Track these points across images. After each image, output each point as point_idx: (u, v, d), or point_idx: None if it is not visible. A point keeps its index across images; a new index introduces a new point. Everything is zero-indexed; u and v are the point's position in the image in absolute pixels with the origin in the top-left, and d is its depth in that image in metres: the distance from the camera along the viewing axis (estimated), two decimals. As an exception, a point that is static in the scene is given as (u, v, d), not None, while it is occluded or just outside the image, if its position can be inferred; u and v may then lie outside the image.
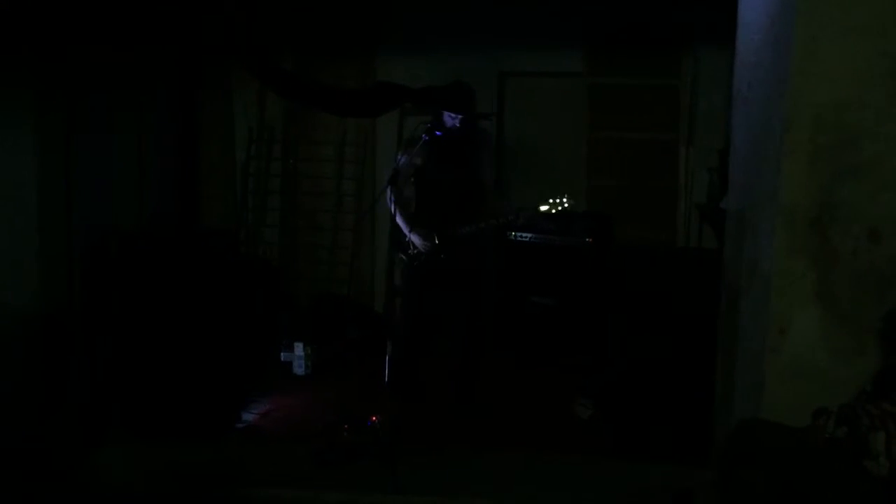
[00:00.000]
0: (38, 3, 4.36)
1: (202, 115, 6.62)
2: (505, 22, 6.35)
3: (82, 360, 4.60)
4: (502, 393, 5.09)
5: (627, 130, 6.61)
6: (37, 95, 4.39)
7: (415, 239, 4.65)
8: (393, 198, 4.59)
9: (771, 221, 3.18)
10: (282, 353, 5.60)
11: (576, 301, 5.80)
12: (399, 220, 4.64)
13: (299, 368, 5.55)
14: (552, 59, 6.60)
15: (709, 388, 4.06)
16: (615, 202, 6.47)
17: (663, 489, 3.77)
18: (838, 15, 3.02)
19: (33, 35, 4.35)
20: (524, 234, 5.95)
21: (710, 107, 6.38)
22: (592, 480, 3.99)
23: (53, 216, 4.51)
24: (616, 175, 6.62)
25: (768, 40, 3.40)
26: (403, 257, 4.75)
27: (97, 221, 4.90)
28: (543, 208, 4.47)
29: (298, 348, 5.55)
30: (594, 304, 5.69)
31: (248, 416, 4.77)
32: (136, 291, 4.57)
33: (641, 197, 6.58)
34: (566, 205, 4.47)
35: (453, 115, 4.57)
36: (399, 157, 4.75)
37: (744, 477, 2.89)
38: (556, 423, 4.74)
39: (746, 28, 3.79)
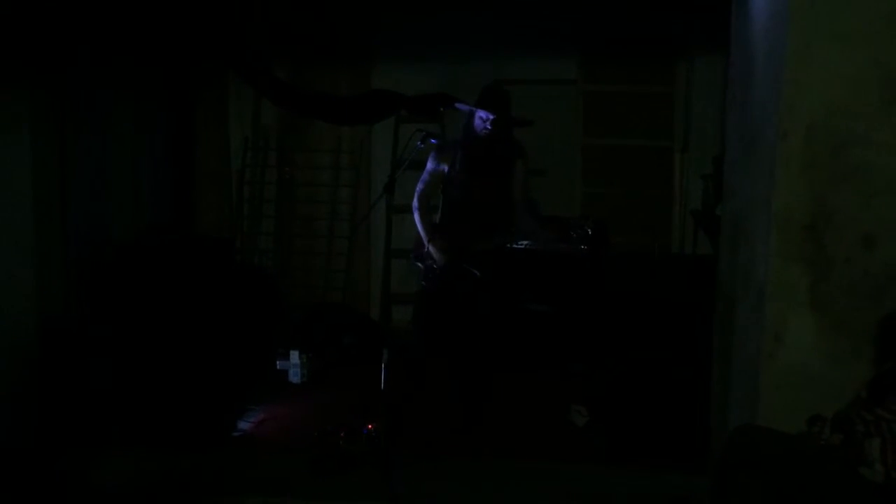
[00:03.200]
0: (35, 14, 4.37)
1: (198, 124, 6.63)
2: (500, 30, 6.37)
3: (78, 369, 4.59)
4: (498, 400, 5.08)
5: (622, 137, 6.64)
6: (32, 105, 4.39)
7: (432, 251, 4.55)
8: (417, 205, 4.53)
9: (765, 228, 3.19)
10: (277, 362, 5.58)
11: (571, 308, 5.80)
12: (420, 228, 4.57)
13: (295, 377, 5.54)
14: (547, 66, 6.62)
15: (705, 394, 4.07)
16: (610, 209, 6.48)
17: (659, 496, 3.77)
18: (830, 23, 3.03)
19: (28, 45, 4.35)
20: (520, 242, 5.95)
21: (705, 113, 6.40)
22: (588, 488, 3.99)
23: (49, 226, 4.51)
24: (611, 182, 6.64)
25: (761, 48, 3.42)
26: (420, 265, 4.65)
27: (93, 231, 4.90)
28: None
29: (294, 356, 5.53)
30: (590, 310, 5.69)
31: (244, 425, 4.76)
32: (131, 300, 4.57)
33: (636, 204, 6.60)
34: (589, 232, 4.36)
35: (484, 117, 4.40)
36: (429, 161, 4.60)
37: (740, 484, 2.89)
38: (552, 431, 4.73)
39: (740, 36, 3.80)
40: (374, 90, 6.64)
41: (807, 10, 3.05)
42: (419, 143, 4.46)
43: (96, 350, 4.63)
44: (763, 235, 3.22)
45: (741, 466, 2.92)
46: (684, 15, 6.03)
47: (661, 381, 4.49)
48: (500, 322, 5.11)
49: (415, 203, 4.57)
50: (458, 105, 4.61)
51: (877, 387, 2.82)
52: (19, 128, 4.33)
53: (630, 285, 5.47)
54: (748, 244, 3.46)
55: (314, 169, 6.94)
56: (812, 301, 3.14)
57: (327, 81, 6.69)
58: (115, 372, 4.55)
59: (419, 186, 4.62)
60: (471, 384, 4.73)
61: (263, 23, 6.43)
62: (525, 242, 5.93)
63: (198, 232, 6.54)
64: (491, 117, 4.40)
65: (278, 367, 5.57)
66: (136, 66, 5.51)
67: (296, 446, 4.40)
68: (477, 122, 4.45)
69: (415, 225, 4.66)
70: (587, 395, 4.93)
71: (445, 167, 4.59)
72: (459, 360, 4.71)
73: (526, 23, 6.34)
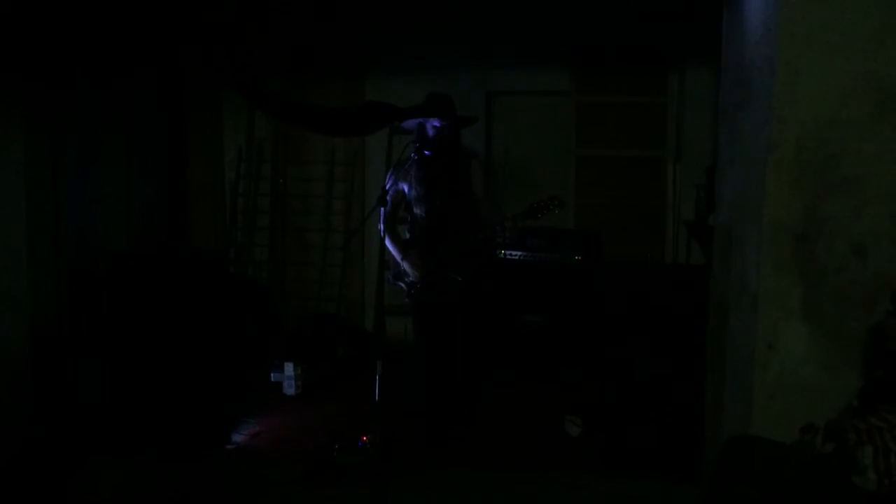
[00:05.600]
0: (29, 26, 4.37)
1: (191, 135, 6.63)
2: (492, 42, 6.40)
3: (71, 381, 4.58)
4: (492, 410, 5.09)
5: (615, 148, 6.66)
6: (25, 117, 4.39)
7: (406, 267, 4.61)
8: (384, 227, 4.52)
9: (757, 238, 3.20)
10: (272, 373, 5.58)
11: (565, 319, 5.80)
12: (391, 248, 4.59)
13: (289, 388, 5.53)
14: (539, 77, 6.65)
15: (698, 403, 4.07)
16: (604, 219, 6.50)
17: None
18: (821, 34, 3.05)
19: (22, 57, 4.35)
20: (513, 253, 5.96)
21: (697, 124, 6.43)
22: (583, 498, 3.99)
23: (42, 238, 4.50)
24: (604, 192, 6.65)
25: (752, 58, 3.44)
26: (402, 285, 4.69)
27: (85, 242, 4.89)
28: (531, 214, 4.38)
29: (288, 368, 5.53)
30: (583, 321, 5.70)
31: (238, 437, 4.75)
32: (124, 312, 4.56)
33: (630, 214, 6.61)
34: (553, 206, 4.37)
35: (437, 123, 4.49)
36: (387, 180, 4.65)
37: (733, 493, 2.89)
38: (546, 441, 4.73)
39: (731, 46, 3.82)
40: (368, 102, 6.66)
41: (798, 20, 3.07)
42: (413, 154, 4.48)
43: (88, 361, 4.62)
44: (755, 245, 3.24)
45: (735, 476, 2.92)
46: (676, 26, 6.06)
47: (655, 390, 4.49)
48: (489, 325, 5.11)
49: (380, 225, 4.57)
50: (405, 124, 4.67)
51: (868, 395, 2.83)
52: (12, 139, 4.33)
53: (623, 295, 5.47)
54: (740, 254, 3.47)
55: (308, 181, 6.95)
56: (804, 310, 3.15)
57: (320, 93, 6.69)
58: (107, 383, 4.54)
59: (382, 209, 4.60)
60: (461, 389, 4.75)
61: (257, 35, 6.45)
62: (518, 253, 5.94)
63: (191, 243, 6.53)
64: (439, 123, 4.49)
65: (272, 378, 5.56)
66: (129, 78, 5.51)
67: (290, 458, 4.39)
68: (430, 131, 4.52)
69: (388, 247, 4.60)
70: (581, 405, 4.93)
71: (405, 186, 4.65)
72: (450, 365, 4.71)
73: (518, 35, 6.37)
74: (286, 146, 6.96)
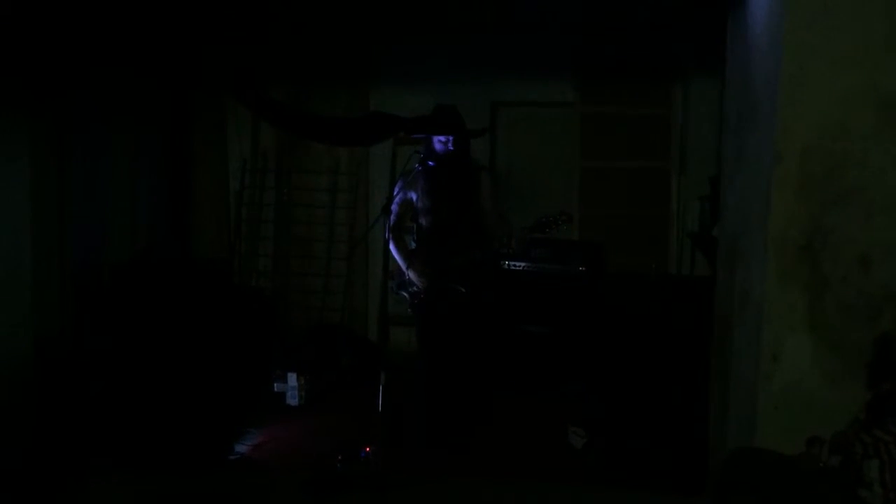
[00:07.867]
0: (34, 38, 4.39)
1: (196, 145, 6.64)
2: (497, 53, 6.41)
3: (74, 391, 4.58)
4: (496, 422, 5.07)
5: (619, 159, 6.65)
6: (31, 129, 4.40)
7: (412, 276, 4.61)
8: (390, 235, 4.50)
9: (762, 249, 3.20)
10: (275, 384, 5.56)
11: (569, 329, 5.79)
12: (396, 257, 4.60)
13: (292, 399, 5.51)
14: (544, 89, 6.65)
15: (703, 415, 4.06)
16: (608, 230, 6.49)
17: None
18: (825, 46, 3.06)
19: (28, 69, 4.37)
20: (517, 263, 5.95)
21: (701, 135, 6.42)
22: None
23: (47, 248, 4.51)
24: (609, 204, 6.65)
25: (757, 71, 3.44)
26: (405, 295, 4.70)
27: (90, 253, 4.90)
28: (538, 228, 4.38)
29: (291, 379, 5.51)
30: (587, 332, 5.68)
31: (241, 448, 4.74)
32: (128, 322, 4.56)
33: (634, 225, 6.60)
34: (561, 221, 4.36)
35: (443, 139, 4.50)
36: (396, 188, 4.68)
37: (738, 505, 2.88)
38: (550, 452, 4.71)
39: (735, 59, 3.83)
40: (372, 112, 6.67)
41: (802, 32, 3.07)
42: (417, 165, 4.49)
43: (92, 372, 4.62)
44: (759, 256, 3.23)
45: (740, 488, 2.91)
46: (680, 38, 6.07)
47: (660, 402, 4.48)
48: (493, 336, 5.10)
49: (387, 234, 4.56)
50: (415, 136, 4.68)
51: (875, 408, 2.82)
52: (18, 151, 4.34)
53: (627, 306, 5.46)
54: (744, 265, 3.47)
55: (312, 190, 6.96)
56: (809, 321, 3.14)
57: (325, 103, 6.71)
58: (110, 394, 4.54)
59: (391, 218, 4.55)
60: (467, 400, 4.73)
61: (261, 45, 6.47)
62: (521, 264, 5.93)
63: (195, 253, 6.54)
64: (450, 139, 4.49)
65: (276, 389, 5.55)
66: (134, 89, 5.53)
67: (293, 469, 4.37)
68: (437, 145, 4.52)
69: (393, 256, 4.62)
70: (585, 416, 4.91)
71: (413, 195, 4.65)
72: (453, 375, 4.68)
73: (523, 46, 6.38)
74: (290, 156, 6.97)
